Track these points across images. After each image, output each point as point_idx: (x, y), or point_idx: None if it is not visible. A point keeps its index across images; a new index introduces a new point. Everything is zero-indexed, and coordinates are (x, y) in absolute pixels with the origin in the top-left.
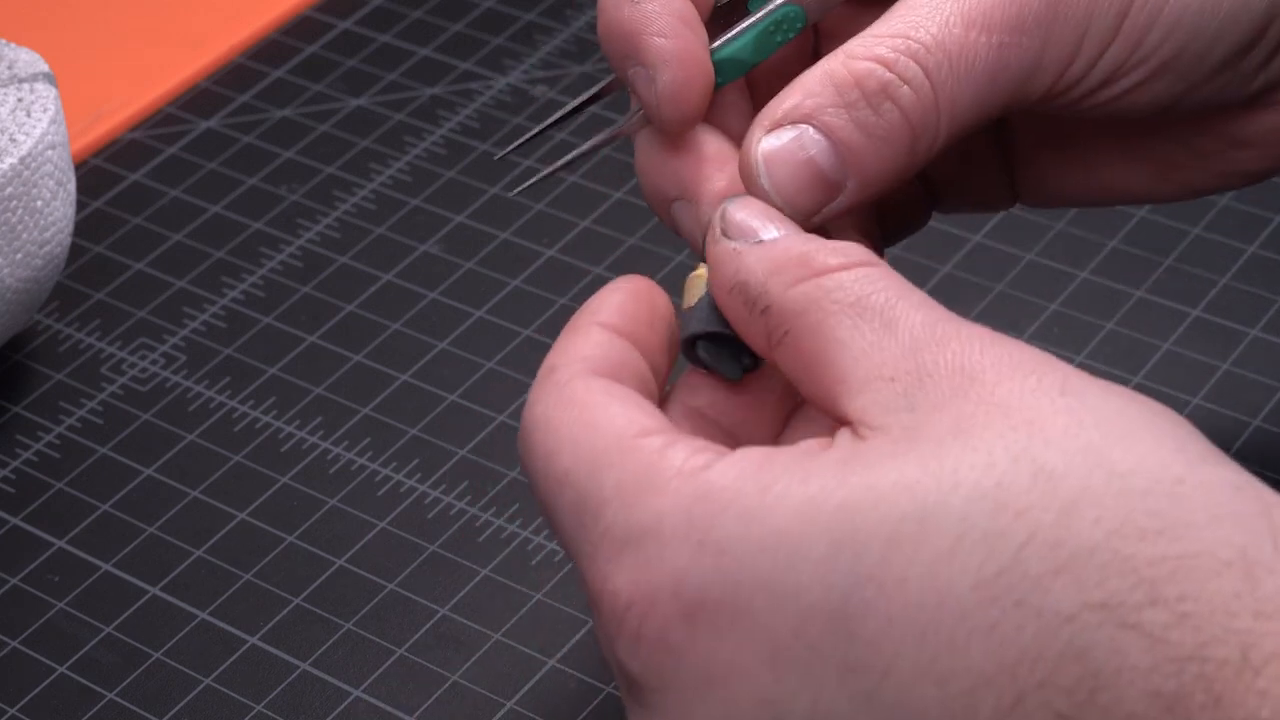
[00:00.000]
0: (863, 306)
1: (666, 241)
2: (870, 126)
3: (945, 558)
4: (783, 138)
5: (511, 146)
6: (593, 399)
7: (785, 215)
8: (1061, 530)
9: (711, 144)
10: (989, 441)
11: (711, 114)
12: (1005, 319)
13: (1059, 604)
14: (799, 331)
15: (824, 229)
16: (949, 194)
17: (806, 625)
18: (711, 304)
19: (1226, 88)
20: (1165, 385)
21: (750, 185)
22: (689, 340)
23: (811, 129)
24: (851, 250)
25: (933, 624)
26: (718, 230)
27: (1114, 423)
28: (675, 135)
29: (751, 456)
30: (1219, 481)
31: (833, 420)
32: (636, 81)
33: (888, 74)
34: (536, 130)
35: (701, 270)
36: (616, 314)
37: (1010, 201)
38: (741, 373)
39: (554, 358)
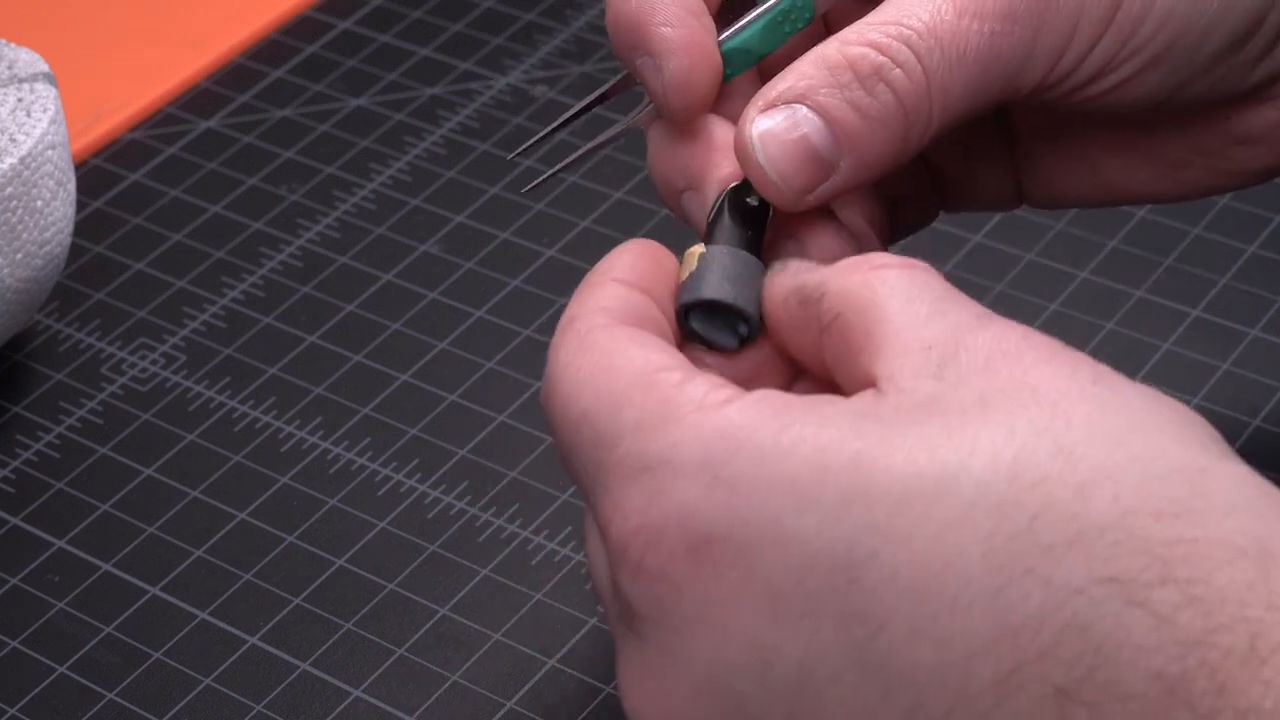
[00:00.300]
0: (915, 296)
1: (667, 241)
2: (864, 107)
3: (956, 521)
4: (776, 117)
5: (522, 148)
6: (614, 344)
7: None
8: (1077, 505)
9: (720, 133)
10: (1012, 414)
11: (722, 105)
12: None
13: (1069, 575)
14: (850, 314)
15: (831, 213)
16: (956, 192)
17: (808, 573)
18: (705, 274)
19: (1223, 81)
20: (1165, 385)
21: (746, 164)
22: (682, 310)
23: (805, 108)
24: (906, 258)
25: (936, 584)
26: (782, 263)
27: (1141, 414)
28: (683, 125)
29: (770, 399)
30: (1240, 477)
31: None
32: (644, 71)
33: (880, 57)
34: (546, 130)
35: (698, 247)
36: (630, 270)
37: (1017, 201)
38: (738, 342)
39: (573, 309)
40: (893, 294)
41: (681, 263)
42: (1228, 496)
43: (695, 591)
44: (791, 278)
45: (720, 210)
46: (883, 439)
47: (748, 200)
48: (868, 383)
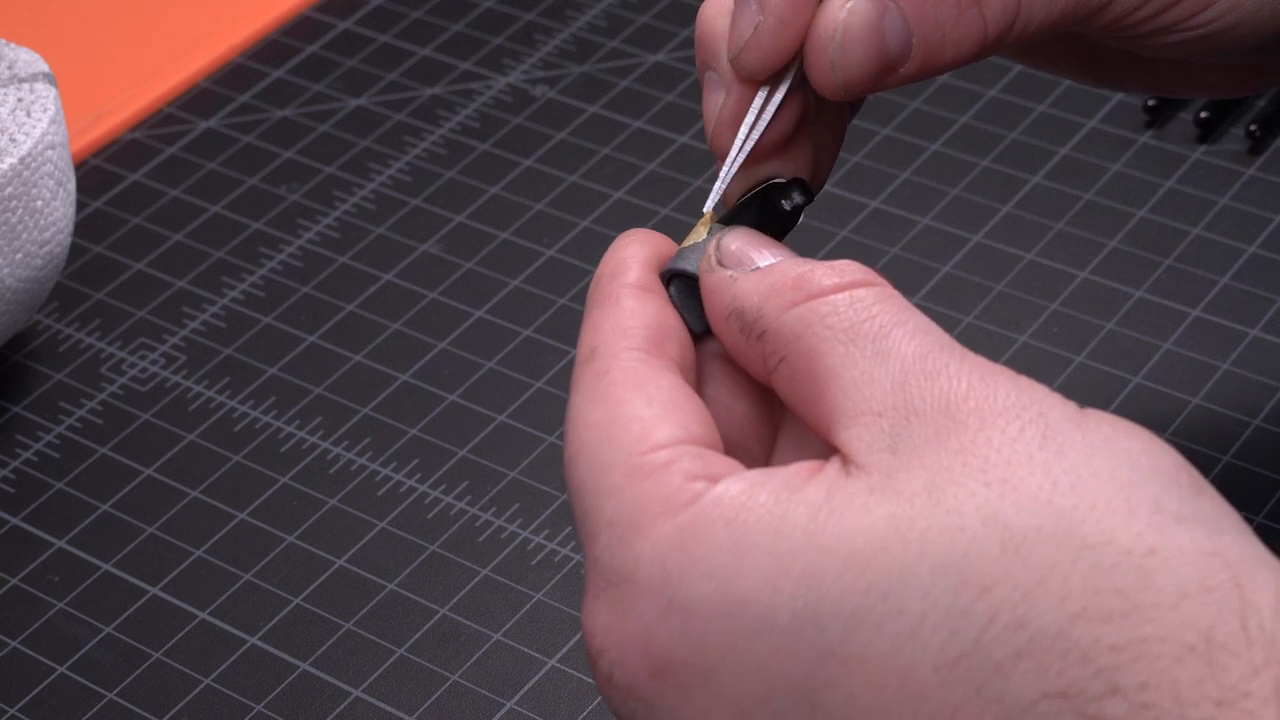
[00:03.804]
0: (855, 334)
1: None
2: (948, 22)
3: (908, 637)
4: (862, 6)
5: (723, 180)
6: (624, 394)
7: (778, 245)
8: (1026, 610)
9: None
10: (961, 501)
11: None
12: (1005, 319)
13: (1019, 692)
14: (794, 358)
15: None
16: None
17: (771, 694)
18: (700, 248)
19: None
20: (1165, 385)
21: (816, 47)
22: (666, 276)
23: (894, 4)
24: (847, 270)
25: (894, 703)
26: (713, 259)
27: (1089, 487)
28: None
29: (733, 493)
30: (1192, 550)
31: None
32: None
33: None
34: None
35: (707, 218)
36: (641, 269)
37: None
38: (704, 328)
39: (592, 337)
40: (833, 339)
41: (693, 229)
42: (1177, 583)
43: (666, 710)
44: (726, 295)
45: (751, 200)
46: (833, 547)
47: (782, 202)
48: (832, 446)
